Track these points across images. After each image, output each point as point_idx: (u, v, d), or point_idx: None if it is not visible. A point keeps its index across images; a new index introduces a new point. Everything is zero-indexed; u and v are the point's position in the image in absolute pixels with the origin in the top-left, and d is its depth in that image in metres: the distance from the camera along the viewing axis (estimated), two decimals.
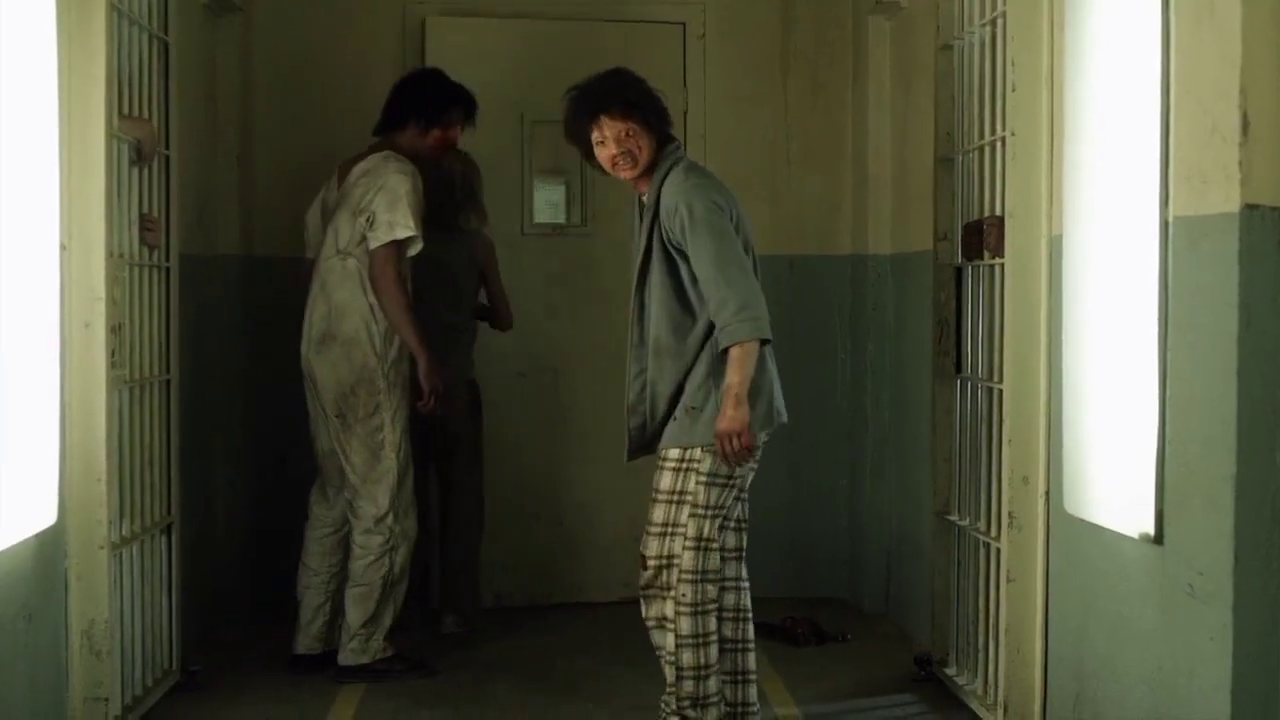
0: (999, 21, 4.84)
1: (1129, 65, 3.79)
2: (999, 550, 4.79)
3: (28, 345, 4.12)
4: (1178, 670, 3.57)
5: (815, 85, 6.99)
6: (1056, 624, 4.50)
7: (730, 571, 4.77)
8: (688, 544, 4.57)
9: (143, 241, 5.05)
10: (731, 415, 4.43)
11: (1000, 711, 4.72)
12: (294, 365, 6.64)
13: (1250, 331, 3.28)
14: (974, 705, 5.05)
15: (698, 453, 4.54)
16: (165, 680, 5.26)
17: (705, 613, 4.59)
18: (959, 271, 5.30)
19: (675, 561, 4.59)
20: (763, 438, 4.64)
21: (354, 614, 5.61)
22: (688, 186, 4.57)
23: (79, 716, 4.57)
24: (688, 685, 4.58)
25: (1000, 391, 4.81)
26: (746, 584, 4.80)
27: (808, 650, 6.05)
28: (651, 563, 4.63)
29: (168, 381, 5.33)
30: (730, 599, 4.76)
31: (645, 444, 4.74)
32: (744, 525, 4.82)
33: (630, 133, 4.63)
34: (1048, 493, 4.53)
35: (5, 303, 3.91)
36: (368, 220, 5.52)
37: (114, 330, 4.66)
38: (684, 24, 6.96)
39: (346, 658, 5.62)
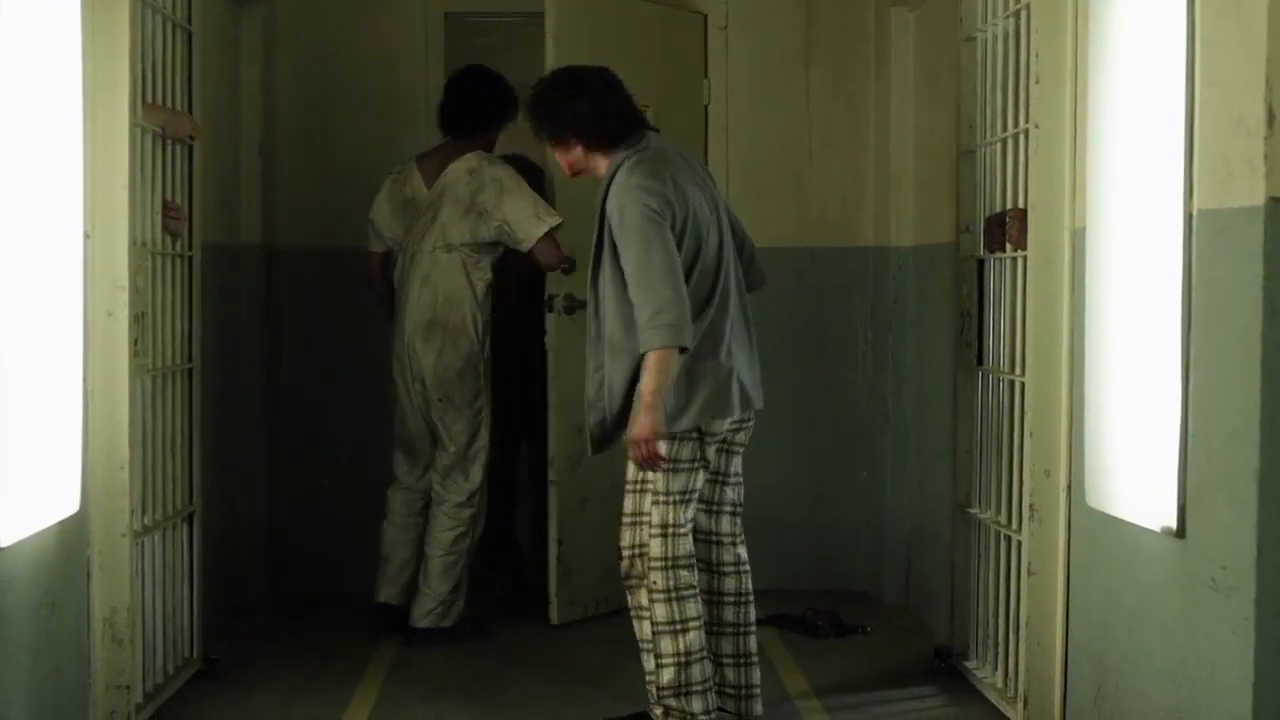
0: (1023, 14, 4.83)
1: (1153, 57, 3.77)
2: (1020, 543, 4.78)
3: (51, 334, 4.13)
4: (1200, 664, 3.57)
5: (838, 77, 6.97)
6: (1077, 617, 4.50)
7: (728, 556, 4.82)
8: (654, 531, 4.61)
9: (166, 229, 5.06)
10: (640, 423, 4.47)
11: (1020, 704, 4.72)
12: (316, 354, 6.69)
13: (1274, 324, 3.26)
14: (994, 698, 5.04)
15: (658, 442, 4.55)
16: (186, 669, 5.28)
17: (681, 599, 4.60)
18: (981, 264, 5.28)
19: (645, 550, 4.62)
20: (726, 425, 4.68)
21: (442, 583, 5.98)
22: (628, 187, 4.57)
23: (101, 704, 4.59)
24: (667, 674, 4.59)
25: (1022, 384, 4.80)
26: (747, 568, 4.85)
27: (828, 642, 6.05)
28: (625, 553, 4.70)
29: (190, 370, 5.34)
30: (730, 584, 4.82)
31: (605, 438, 4.75)
32: (739, 510, 4.87)
33: (557, 150, 4.83)
34: (1069, 486, 4.52)
35: (29, 291, 3.92)
36: (500, 223, 5.87)
37: (137, 319, 4.67)
38: (706, 15, 6.95)
39: (427, 621, 5.96)
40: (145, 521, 4.87)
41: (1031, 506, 4.65)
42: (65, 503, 4.26)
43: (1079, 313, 4.41)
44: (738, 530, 4.86)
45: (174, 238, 5.16)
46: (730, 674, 4.79)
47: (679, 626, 4.58)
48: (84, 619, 4.52)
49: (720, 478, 4.81)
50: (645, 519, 4.63)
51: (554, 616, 6.27)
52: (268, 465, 6.60)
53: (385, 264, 6.17)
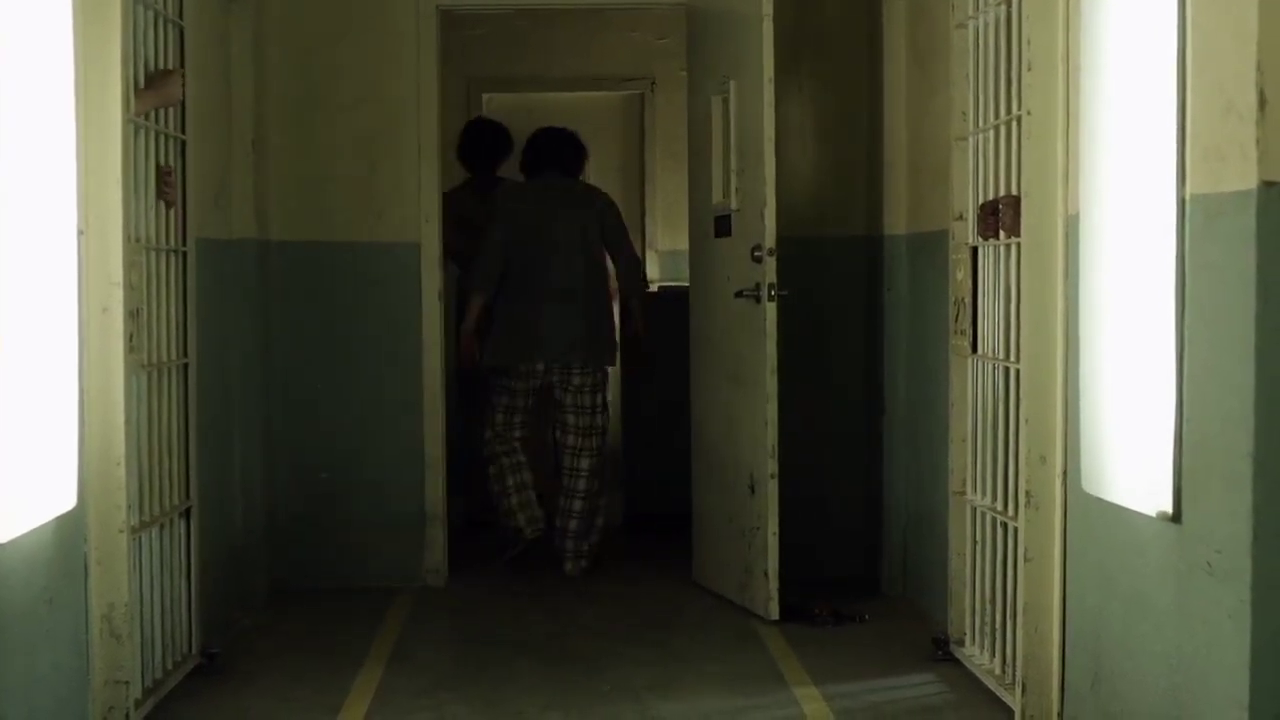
0: (1014, 0, 4.83)
1: (1145, 43, 3.78)
2: (1016, 530, 4.79)
3: (46, 330, 4.14)
4: (1196, 649, 3.58)
5: (830, 64, 6.96)
6: (1074, 603, 4.50)
7: (565, 461, 7.12)
8: None
9: (159, 197, 5.05)
10: None
11: (1018, 691, 4.72)
12: (310, 348, 6.70)
13: (1268, 309, 3.27)
14: (991, 684, 5.05)
15: None
16: (185, 663, 5.29)
17: (501, 470, 7.08)
18: (975, 251, 5.29)
19: None
20: (535, 367, 6.97)
21: None
22: None
23: (100, 699, 4.60)
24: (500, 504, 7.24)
25: (1017, 371, 4.80)
26: (580, 472, 7.07)
27: (825, 630, 6.06)
28: None
29: (185, 365, 5.35)
30: (564, 479, 7.10)
31: None
32: (579, 430, 7.06)
33: None
34: (1065, 472, 4.53)
35: (24, 288, 3.92)
36: None
37: (132, 315, 4.67)
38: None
39: None
40: (142, 517, 4.87)
41: (1027, 493, 4.65)
42: (62, 499, 4.27)
43: (1073, 299, 4.42)
44: (579, 445, 7.08)
45: (169, 206, 5.15)
46: (559, 539, 7.03)
47: (497, 489, 7.12)
48: (82, 615, 4.52)
49: (561, 406, 7.06)
50: None
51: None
52: (264, 460, 6.59)
53: None
